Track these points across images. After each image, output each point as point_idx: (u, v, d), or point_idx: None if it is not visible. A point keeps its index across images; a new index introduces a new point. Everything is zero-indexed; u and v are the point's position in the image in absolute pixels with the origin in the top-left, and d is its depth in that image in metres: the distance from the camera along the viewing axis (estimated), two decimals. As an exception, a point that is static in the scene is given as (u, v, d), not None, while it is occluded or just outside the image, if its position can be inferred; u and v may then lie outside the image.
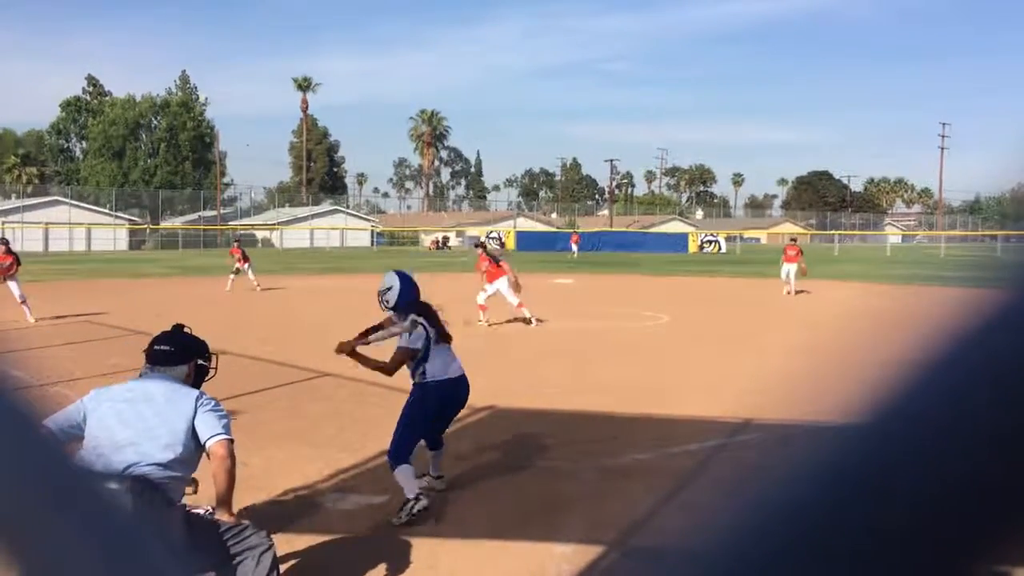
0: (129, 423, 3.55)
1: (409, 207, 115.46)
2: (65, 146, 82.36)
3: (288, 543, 4.84)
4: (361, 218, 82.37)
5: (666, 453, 6.82)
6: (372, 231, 75.15)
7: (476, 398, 8.70)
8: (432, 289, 16.12)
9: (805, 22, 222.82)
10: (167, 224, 70.66)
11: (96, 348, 12.10)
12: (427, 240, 73.64)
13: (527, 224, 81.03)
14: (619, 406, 8.50)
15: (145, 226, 67.02)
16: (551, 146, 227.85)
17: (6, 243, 16.68)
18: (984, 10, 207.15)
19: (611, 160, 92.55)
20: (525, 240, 62.20)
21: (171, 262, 40.33)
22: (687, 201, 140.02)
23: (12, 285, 15.92)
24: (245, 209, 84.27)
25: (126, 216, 67.47)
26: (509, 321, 15.73)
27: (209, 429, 3.65)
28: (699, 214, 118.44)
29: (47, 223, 58.43)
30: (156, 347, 4.00)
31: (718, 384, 9.69)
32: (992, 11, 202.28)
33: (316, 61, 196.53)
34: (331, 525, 5.16)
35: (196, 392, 3.81)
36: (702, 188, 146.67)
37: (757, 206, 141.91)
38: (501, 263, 15.65)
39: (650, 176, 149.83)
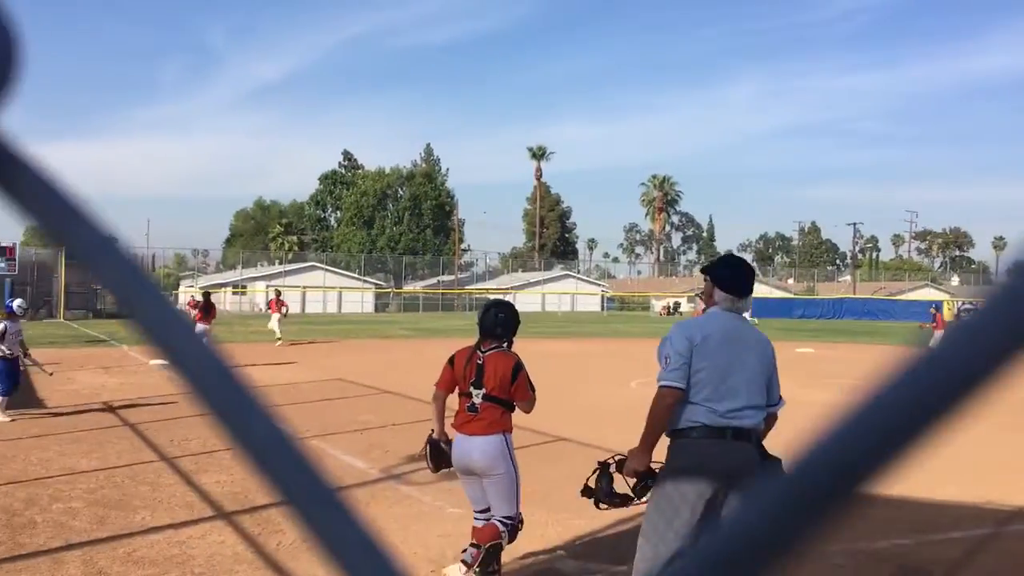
0: None
1: (639, 272, 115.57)
2: (322, 216, 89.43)
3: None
4: (591, 283, 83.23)
5: (926, 540, 6.28)
6: (602, 296, 75.67)
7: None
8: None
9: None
10: (408, 288, 74.71)
11: (349, 405, 12.88)
12: (658, 305, 73.15)
13: (763, 290, 78.67)
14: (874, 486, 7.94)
15: (389, 290, 71.23)
16: (788, 209, 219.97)
17: (203, 296, 19.57)
18: None
19: (854, 223, 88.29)
20: (761, 307, 60.27)
21: (412, 324, 42.49)
22: (940, 267, 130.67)
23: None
24: (480, 274, 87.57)
25: (373, 280, 72.00)
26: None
27: None
28: (955, 281, 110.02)
29: (304, 287, 63.44)
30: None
31: (984, 466, 8.85)
32: None
33: (549, 130, 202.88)
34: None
35: None
36: (958, 253, 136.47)
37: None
38: None
39: (897, 240, 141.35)
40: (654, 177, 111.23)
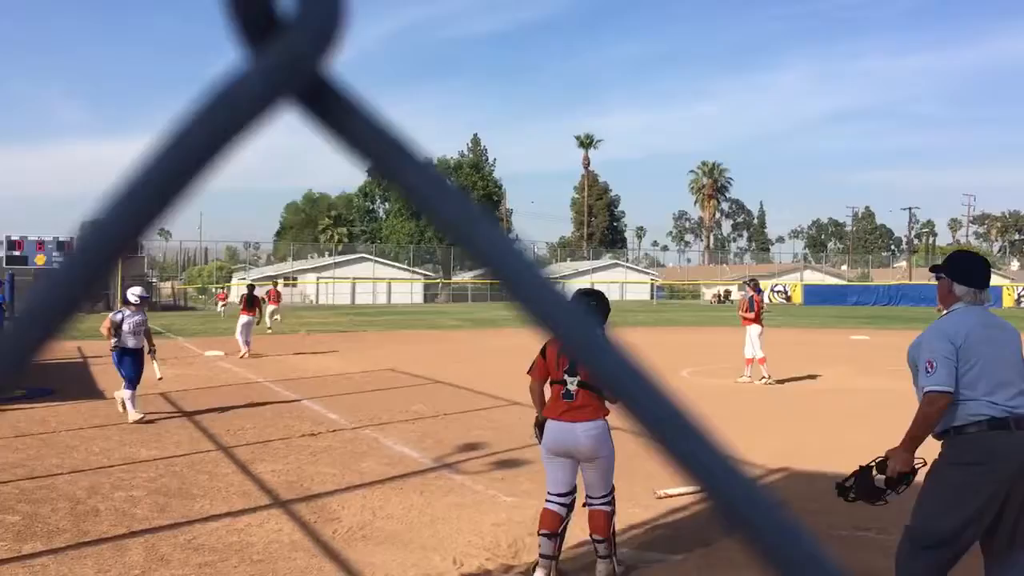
0: None
1: (689, 260, 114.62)
2: (371, 207, 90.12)
3: (585, 596, 4.84)
4: (640, 271, 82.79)
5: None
6: (652, 284, 75.23)
7: (770, 457, 8.36)
8: (717, 339, 15.75)
9: None
10: (457, 279, 75.00)
11: (401, 395, 12.97)
12: (708, 293, 72.51)
13: (814, 277, 77.53)
14: (932, 474, 7.78)
15: (438, 280, 71.59)
16: (840, 195, 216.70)
17: (248, 289, 20.47)
18: None
19: (910, 208, 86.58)
20: (813, 294, 59.43)
21: (461, 314, 42.65)
22: (999, 251, 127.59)
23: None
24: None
25: (421, 271, 72.42)
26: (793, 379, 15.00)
27: None
28: (1015, 265, 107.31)
29: (354, 278, 64.05)
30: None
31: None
32: None
33: (597, 118, 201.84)
34: (626, 581, 5.10)
35: None
36: (1017, 237, 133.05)
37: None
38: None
39: (955, 224, 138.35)
40: (703, 164, 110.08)
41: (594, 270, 76.89)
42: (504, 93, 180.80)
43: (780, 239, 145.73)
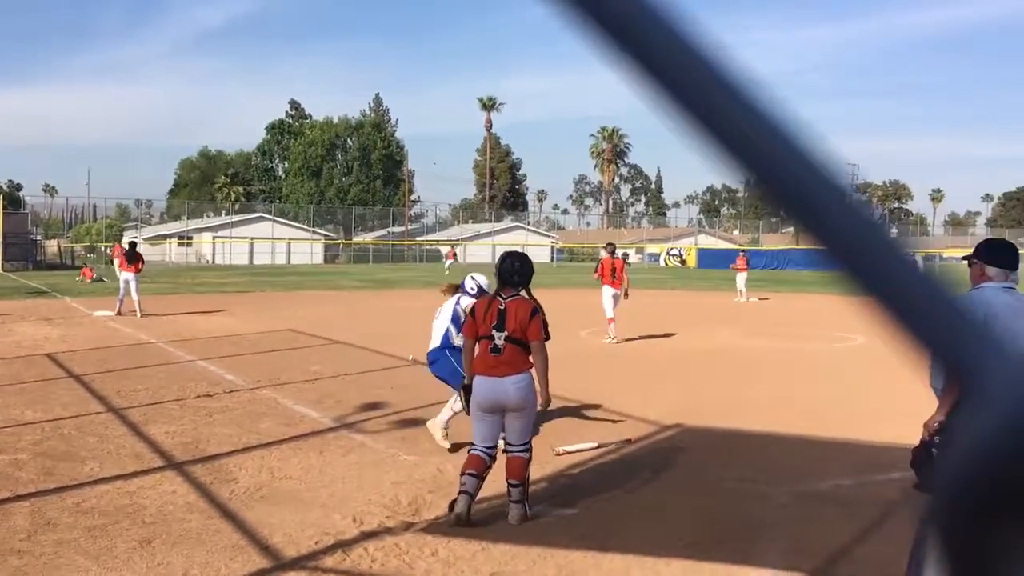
0: None
1: (588, 224, 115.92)
2: (269, 166, 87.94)
3: (485, 552, 4.93)
4: (541, 234, 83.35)
5: (868, 480, 6.48)
6: (552, 247, 75.83)
7: (664, 415, 8.61)
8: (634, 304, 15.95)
9: (1010, 27, 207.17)
10: (359, 239, 74.10)
11: (300, 355, 12.81)
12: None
13: (708, 241, 79.47)
14: (816, 429, 8.16)
15: (339, 241, 70.58)
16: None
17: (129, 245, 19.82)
18: None
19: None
20: (706, 257, 60.99)
21: (363, 275, 42.24)
22: (880, 218, 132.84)
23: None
24: (431, 225, 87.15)
25: (322, 232, 71.23)
26: (645, 337, 15.43)
27: None
28: (894, 232, 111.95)
29: (252, 238, 62.59)
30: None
31: (921, 409, 9.11)
32: None
33: (500, 81, 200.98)
34: (525, 535, 5.21)
35: None
36: (896, 205, 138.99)
37: (958, 224, 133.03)
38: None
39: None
40: (603, 129, 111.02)
41: (496, 232, 77.03)
42: (407, 53, 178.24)
43: (676, 204, 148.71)
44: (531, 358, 5.54)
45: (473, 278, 7.69)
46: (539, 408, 5.63)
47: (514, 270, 5.66)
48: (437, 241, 75.17)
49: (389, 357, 12.37)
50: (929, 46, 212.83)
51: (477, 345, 5.59)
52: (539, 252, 75.10)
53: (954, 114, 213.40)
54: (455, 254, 48.24)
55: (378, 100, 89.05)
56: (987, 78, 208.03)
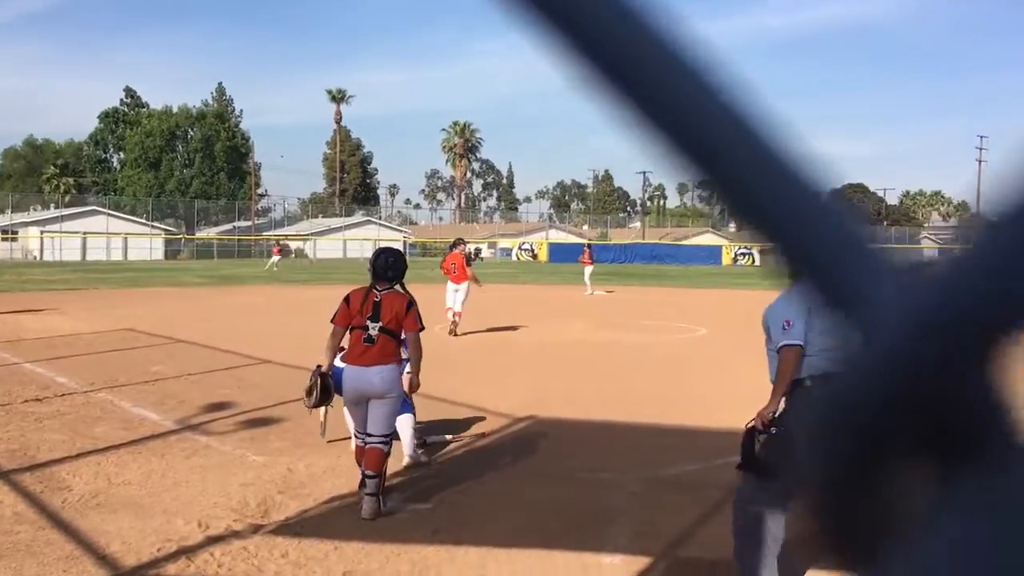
0: None
1: (441, 218, 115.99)
2: (103, 157, 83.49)
3: (337, 551, 4.84)
4: (393, 229, 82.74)
5: (713, 465, 6.74)
6: (404, 242, 75.44)
7: (517, 407, 8.70)
8: (485, 299, 15.98)
9: (843, 34, 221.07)
10: (202, 234, 71.38)
11: (139, 355, 12.22)
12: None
13: (559, 236, 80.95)
14: (663, 418, 8.43)
15: (181, 236, 67.76)
16: (584, 158, 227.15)
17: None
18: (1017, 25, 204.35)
19: (644, 172, 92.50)
20: (557, 252, 62.13)
21: (207, 271, 40.72)
22: (720, 213, 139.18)
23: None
24: (279, 220, 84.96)
25: (162, 226, 68.19)
26: (497, 329, 15.67)
27: None
28: (732, 227, 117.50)
29: (85, 233, 59.27)
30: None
31: (763, 395, 9.58)
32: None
33: (350, 73, 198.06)
34: (378, 533, 5.15)
35: None
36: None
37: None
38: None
39: (683, 188, 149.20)
40: (455, 123, 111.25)
41: (347, 227, 75.92)
42: (251, 41, 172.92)
43: (528, 199, 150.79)
44: (402, 349, 5.83)
45: None
46: (409, 391, 5.96)
47: (388, 265, 5.93)
48: (286, 236, 73.32)
49: (235, 355, 11.97)
50: (767, 50, 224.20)
51: (350, 335, 5.75)
52: (392, 246, 74.52)
53: (788, 115, 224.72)
54: (281, 249, 46.59)
55: (221, 89, 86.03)
56: (817, 83, 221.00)
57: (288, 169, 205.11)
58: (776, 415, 4.45)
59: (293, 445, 7.10)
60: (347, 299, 5.85)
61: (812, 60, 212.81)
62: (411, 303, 5.84)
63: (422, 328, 5.92)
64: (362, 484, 5.56)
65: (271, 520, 5.34)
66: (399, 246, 73.31)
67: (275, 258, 44.14)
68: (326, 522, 5.25)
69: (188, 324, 16.15)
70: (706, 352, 13.65)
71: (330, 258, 65.53)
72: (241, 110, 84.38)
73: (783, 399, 4.45)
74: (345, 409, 6.04)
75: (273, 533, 5.11)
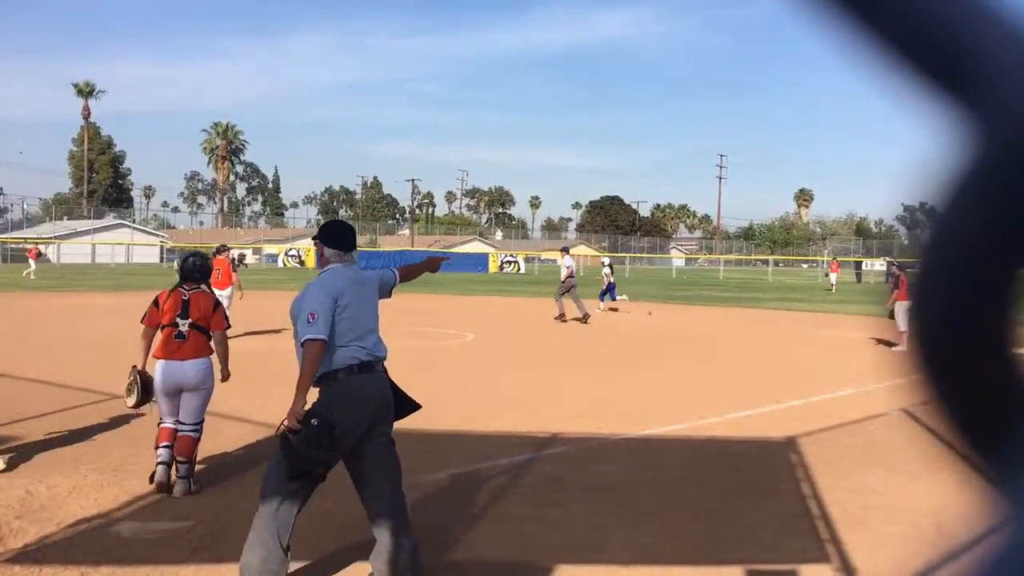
0: None
1: (202, 223, 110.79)
2: None
3: (84, 576, 4.51)
4: (149, 233, 78.20)
5: (479, 468, 6.90)
6: (162, 247, 71.46)
7: (272, 415, 8.47)
8: (249, 307, 15.45)
9: (599, 55, 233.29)
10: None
11: None
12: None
13: (327, 242, 79.69)
14: (430, 423, 8.47)
15: None
16: (352, 164, 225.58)
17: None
18: (758, 55, 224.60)
19: (413, 179, 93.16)
20: (325, 258, 61.05)
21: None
22: (487, 222, 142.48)
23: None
24: (17, 221, 77.93)
25: None
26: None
27: None
28: (499, 235, 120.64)
29: None
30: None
31: (525, 400, 9.91)
32: (767, 56, 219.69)
33: (100, 65, 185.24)
34: (132, 555, 4.85)
35: None
36: (501, 210, 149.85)
37: (553, 228, 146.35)
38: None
39: (451, 197, 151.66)
40: (217, 124, 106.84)
41: (96, 230, 70.94)
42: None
43: (295, 204, 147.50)
44: (212, 344, 6.32)
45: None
46: (222, 380, 6.44)
47: (195, 267, 6.51)
48: (25, 239, 67.35)
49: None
50: (529, 65, 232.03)
51: (161, 333, 6.20)
52: (147, 252, 70.40)
53: (550, 128, 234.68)
54: (39, 253, 42.99)
55: (-52, 77, 77.81)
56: (579, 98, 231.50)
57: (29, 167, 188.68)
58: (307, 411, 4.33)
59: (32, 466, 6.55)
60: (156, 301, 6.33)
61: (572, 76, 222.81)
62: (217, 303, 6.45)
63: (228, 327, 6.50)
64: (157, 473, 5.99)
65: (7, 548, 4.89)
66: (156, 251, 69.61)
67: (32, 263, 40.49)
68: (72, 546, 4.88)
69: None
70: (474, 358, 13.92)
71: (77, 263, 60.82)
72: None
73: (319, 393, 4.43)
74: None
75: (10, 561, 4.69)
